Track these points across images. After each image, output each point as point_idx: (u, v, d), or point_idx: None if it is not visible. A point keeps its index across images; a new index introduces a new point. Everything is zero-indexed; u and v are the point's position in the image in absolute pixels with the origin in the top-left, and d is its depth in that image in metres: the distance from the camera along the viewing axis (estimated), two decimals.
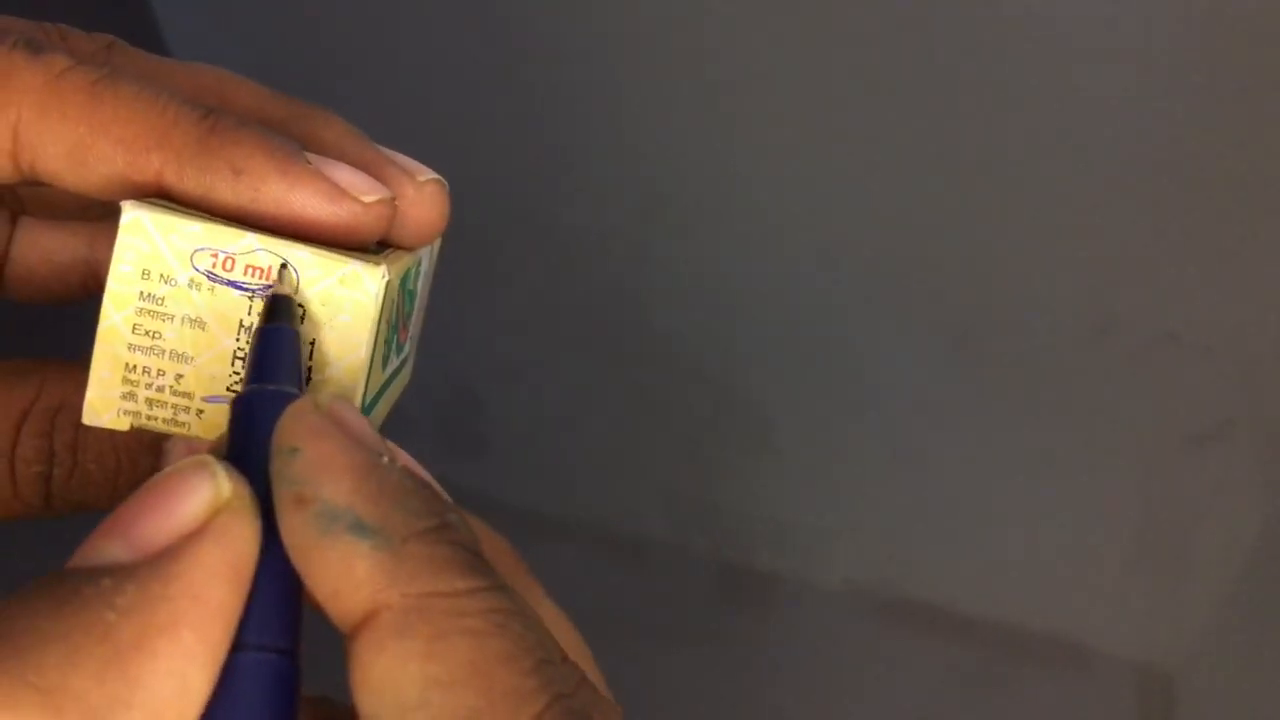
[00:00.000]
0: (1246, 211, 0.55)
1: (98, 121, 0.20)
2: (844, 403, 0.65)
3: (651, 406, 0.68)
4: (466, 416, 0.70)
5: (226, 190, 0.20)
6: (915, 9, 0.54)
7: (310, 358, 0.20)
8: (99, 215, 0.25)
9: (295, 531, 0.17)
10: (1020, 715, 0.67)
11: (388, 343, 0.22)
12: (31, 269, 0.25)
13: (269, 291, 0.20)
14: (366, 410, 0.21)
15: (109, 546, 0.16)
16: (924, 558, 0.67)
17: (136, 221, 0.20)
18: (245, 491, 0.17)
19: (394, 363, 0.23)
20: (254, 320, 0.20)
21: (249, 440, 0.18)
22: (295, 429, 0.18)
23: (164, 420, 0.20)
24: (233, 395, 0.20)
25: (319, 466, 0.17)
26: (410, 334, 0.25)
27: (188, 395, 0.20)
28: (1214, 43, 0.52)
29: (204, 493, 0.17)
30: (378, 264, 0.20)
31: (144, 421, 0.20)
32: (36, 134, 0.20)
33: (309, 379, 0.20)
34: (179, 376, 0.20)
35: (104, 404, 0.20)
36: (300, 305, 0.20)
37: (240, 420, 0.19)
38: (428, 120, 0.62)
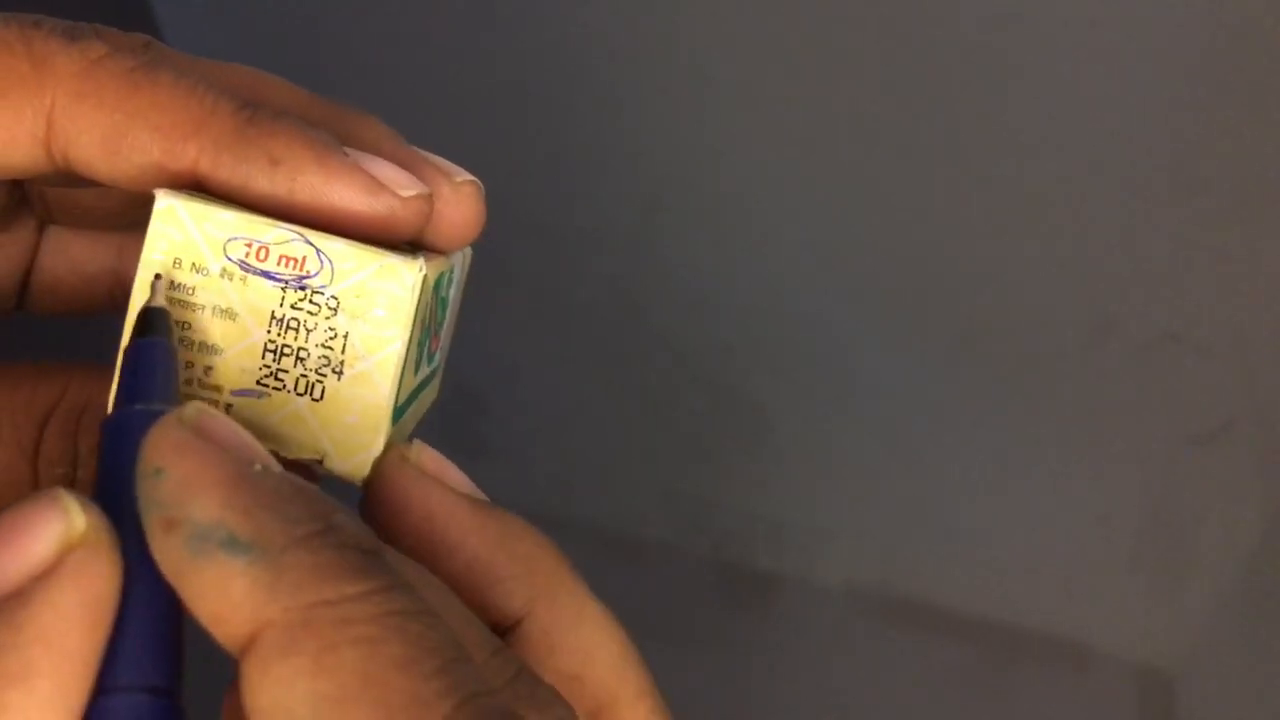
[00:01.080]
0: (1246, 211, 0.56)
1: (134, 108, 0.19)
2: (843, 403, 0.65)
3: (651, 406, 0.68)
4: (467, 417, 0.70)
5: (263, 180, 0.19)
6: (914, 13, 0.54)
7: (342, 351, 0.20)
8: (127, 225, 0.24)
9: (168, 557, 0.16)
10: (1020, 715, 0.67)
11: (420, 345, 0.21)
12: (59, 278, 0.24)
13: (142, 305, 0.19)
14: (397, 415, 0.21)
15: None
16: (924, 558, 0.67)
17: (170, 209, 0.19)
18: (101, 523, 0.16)
19: (425, 370, 0.23)
20: (286, 311, 0.20)
21: (117, 466, 0.17)
22: (158, 448, 0.16)
23: None
24: (262, 390, 0.20)
25: (185, 485, 0.16)
26: (440, 345, 0.24)
27: (216, 389, 0.20)
28: (1213, 43, 0.52)
29: (54, 528, 0.16)
30: (415, 257, 0.20)
31: None
32: (71, 120, 0.19)
33: (341, 373, 0.20)
34: (208, 369, 0.20)
35: None
36: (173, 317, 0.19)
37: (107, 445, 0.18)
38: (428, 121, 0.62)
